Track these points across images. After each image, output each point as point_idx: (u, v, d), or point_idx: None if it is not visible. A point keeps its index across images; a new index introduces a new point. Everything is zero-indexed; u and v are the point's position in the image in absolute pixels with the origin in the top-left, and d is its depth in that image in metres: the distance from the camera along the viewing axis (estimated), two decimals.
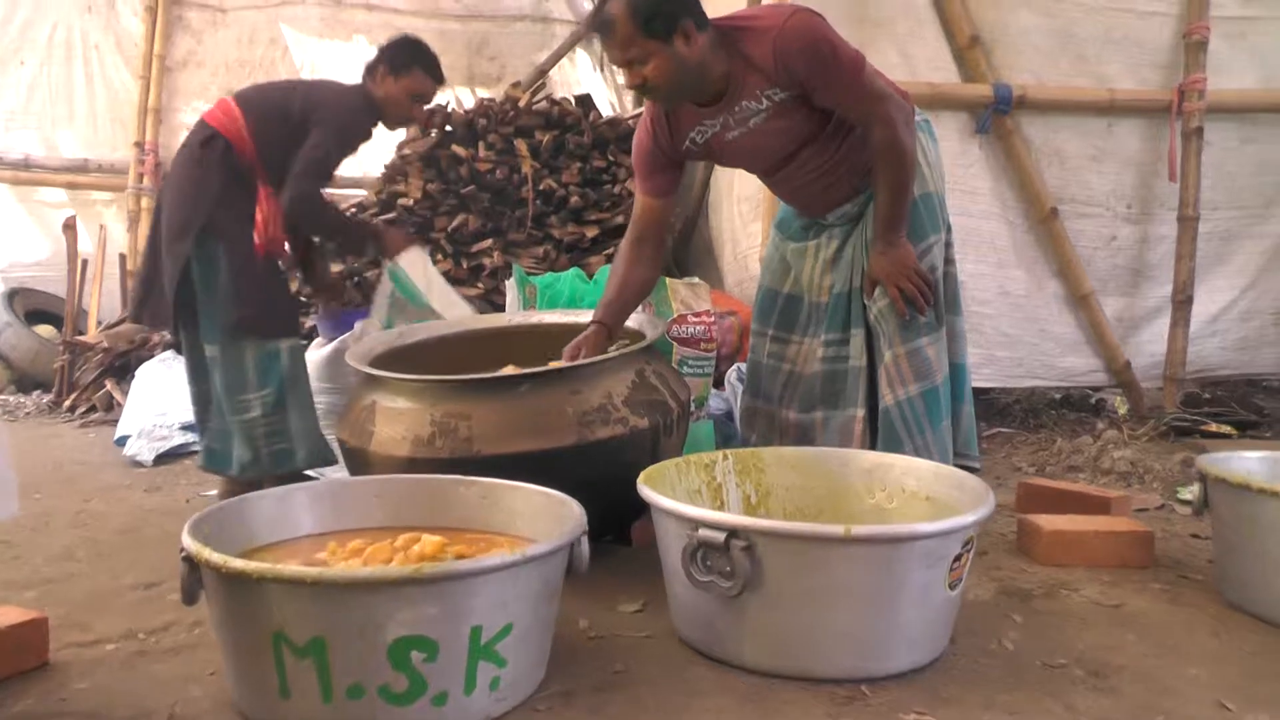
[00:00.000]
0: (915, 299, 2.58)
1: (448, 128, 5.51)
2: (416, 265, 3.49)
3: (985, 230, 4.24)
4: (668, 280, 3.77)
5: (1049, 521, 2.54)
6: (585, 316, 2.91)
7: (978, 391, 4.57)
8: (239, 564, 1.61)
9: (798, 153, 2.64)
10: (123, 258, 6.11)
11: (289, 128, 3.24)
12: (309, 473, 3.50)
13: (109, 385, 5.17)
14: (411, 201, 5.30)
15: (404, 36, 3.52)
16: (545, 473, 2.32)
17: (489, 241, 5.13)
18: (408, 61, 3.38)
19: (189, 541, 1.70)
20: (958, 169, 4.18)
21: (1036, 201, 4.26)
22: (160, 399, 4.47)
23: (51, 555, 2.78)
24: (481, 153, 5.31)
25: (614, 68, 7.34)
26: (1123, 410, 4.48)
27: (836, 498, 2.34)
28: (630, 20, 2.37)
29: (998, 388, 4.54)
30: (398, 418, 2.43)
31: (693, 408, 3.60)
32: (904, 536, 1.78)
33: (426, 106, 3.52)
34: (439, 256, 5.14)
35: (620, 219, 5.17)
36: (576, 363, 2.47)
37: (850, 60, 2.45)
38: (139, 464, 4.02)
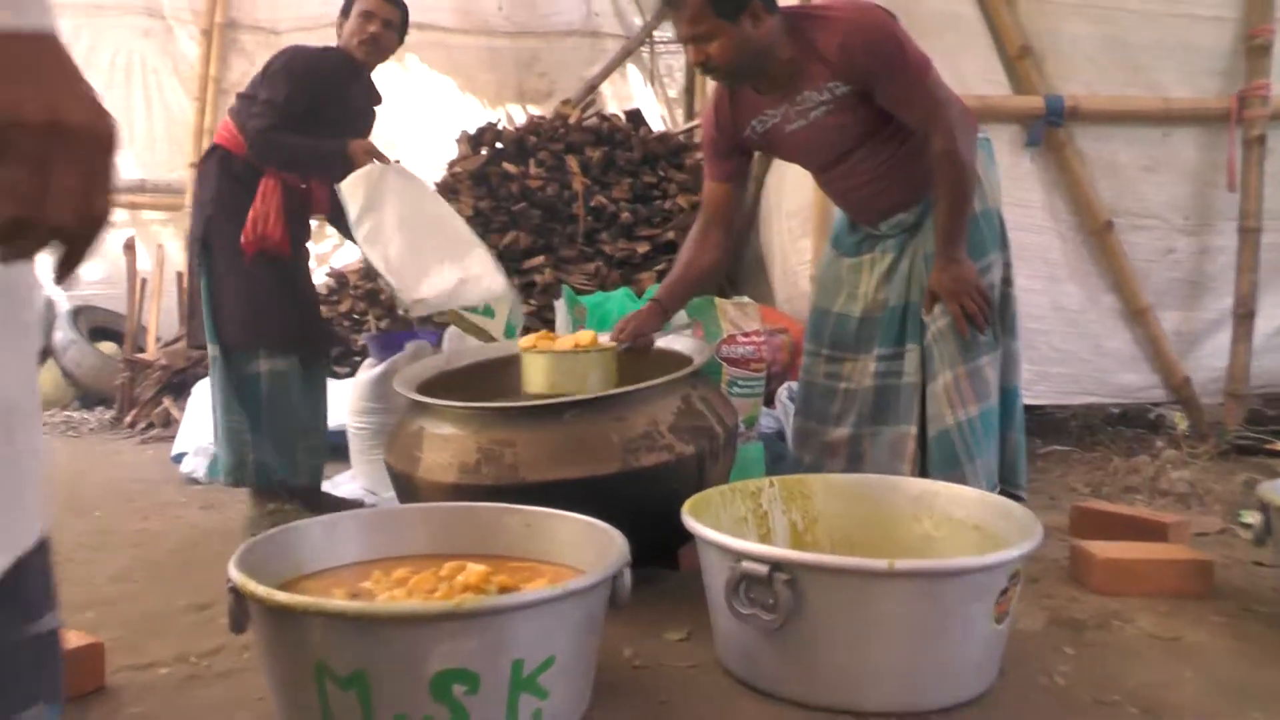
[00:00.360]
0: (975, 317, 2.56)
1: (498, 145, 5.56)
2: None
3: (1038, 244, 4.18)
4: (717, 300, 3.76)
5: (1102, 549, 2.49)
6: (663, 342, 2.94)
7: (1031, 408, 4.51)
8: (282, 597, 1.62)
9: (853, 151, 2.63)
10: (180, 276, 6.23)
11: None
12: (367, 499, 3.54)
13: (167, 402, 5.28)
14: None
15: None
16: (590, 499, 2.32)
17: (540, 258, 5.16)
18: None
19: (235, 573, 1.73)
20: (1009, 182, 4.09)
21: (1090, 214, 4.19)
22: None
23: (111, 575, 2.84)
24: (532, 170, 5.35)
25: (664, 81, 7.39)
26: (1183, 426, 4.39)
27: (884, 525, 2.31)
28: None
29: (1052, 405, 4.46)
30: (444, 444, 2.45)
31: (743, 428, 3.59)
32: (948, 571, 1.76)
33: (377, 23, 3.26)
34: None
35: (671, 235, 5.18)
36: (622, 389, 2.46)
37: (916, 63, 2.45)
38: (195, 481, 4.10)
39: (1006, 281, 2.72)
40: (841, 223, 2.94)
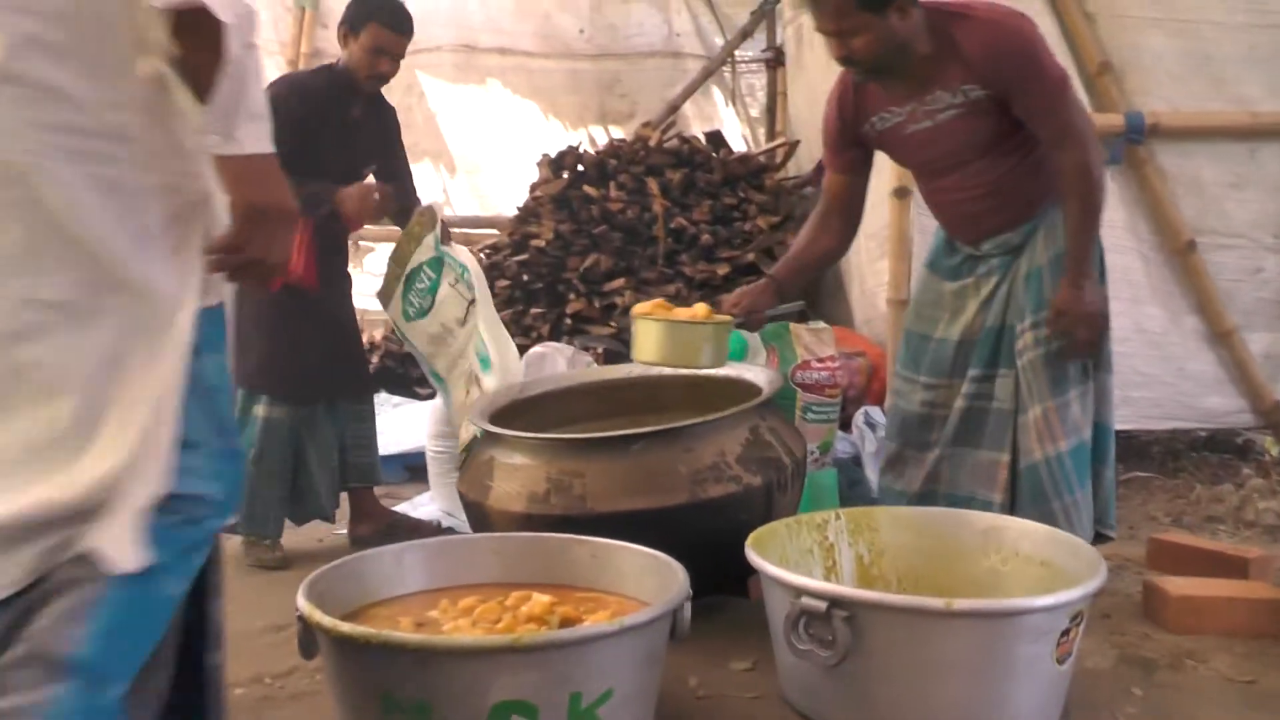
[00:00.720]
0: (1083, 348, 2.53)
1: (579, 168, 5.64)
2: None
3: (1119, 265, 4.08)
4: (791, 326, 3.77)
5: (1177, 585, 2.45)
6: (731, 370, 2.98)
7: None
8: (346, 628, 1.70)
9: (972, 162, 2.60)
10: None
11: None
12: (444, 521, 3.63)
13: None
14: (544, 242, 5.44)
15: None
16: (658, 530, 2.36)
17: (620, 281, 5.20)
18: (364, 19, 3.24)
19: (302, 602, 1.81)
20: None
21: (1171, 233, 4.09)
22: None
23: None
24: (613, 192, 5.40)
25: (745, 101, 7.41)
26: (1274, 451, 4.26)
27: (951, 559, 2.30)
28: None
29: (1135, 429, 4.36)
30: (514, 474, 2.51)
31: (817, 453, 3.60)
32: (1007, 611, 1.76)
33: (387, 61, 3.28)
34: (572, 296, 5.28)
35: (751, 256, 5.19)
36: (690, 421, 2.50)
37: (1057, 76, 2.45)
38: None
39: (1103, 315, 2.67)
40: (939, 246, 2.88)
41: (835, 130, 2.74)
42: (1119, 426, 4.11)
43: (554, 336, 5.33)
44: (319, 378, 3.27)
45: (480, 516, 2.59)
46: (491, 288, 5.38)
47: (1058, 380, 2.54)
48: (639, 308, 2.72)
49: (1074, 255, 2.52)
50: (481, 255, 5.74)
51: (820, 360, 3.57)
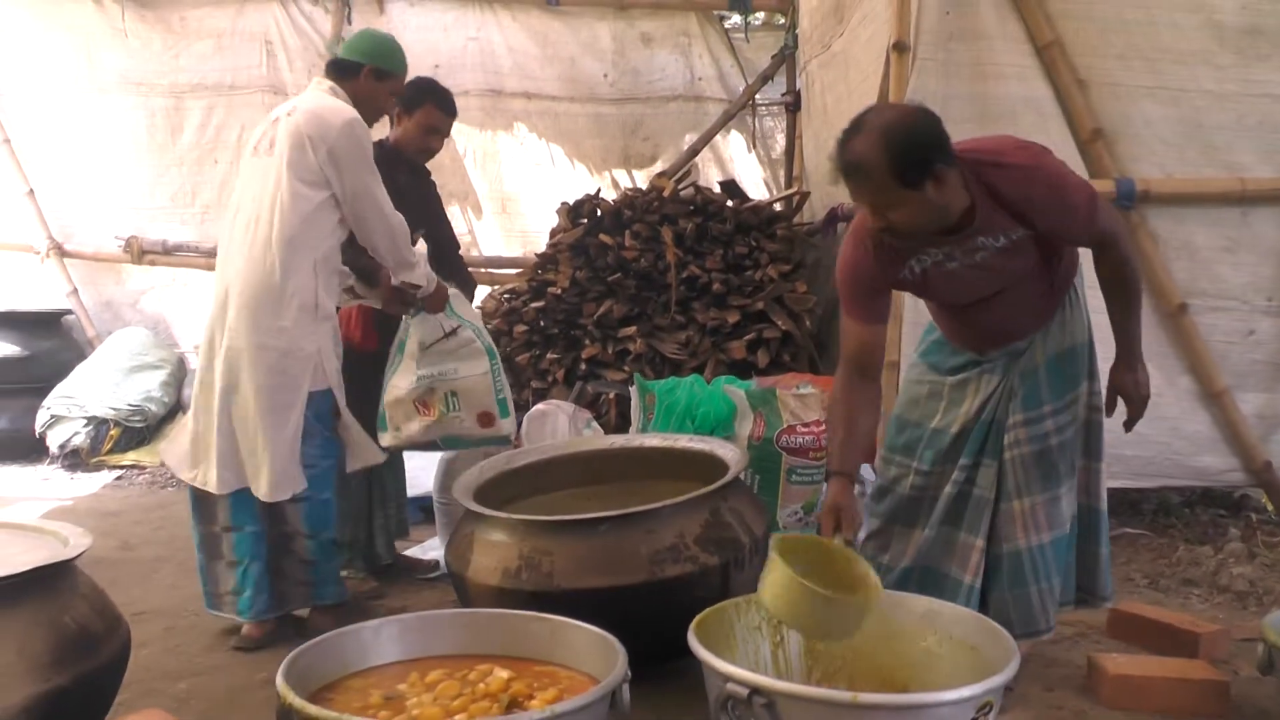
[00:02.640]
0: (1132, 423, 2.76)
1: (598, 213, 5.82)
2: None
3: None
4: (778, 391, 3.91)
5: (1116, 663, 2.56)
6: (683, 441, 3.13)
7: None
8: (312, 711, 1.88)
9: (1005, 292, 2.64)
10: None
11: None
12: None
13: None
14: (560, 289, 5.62)
15: (416, 77, 3.69)
16: (619, 607, 2.54)
17: (633, 328, 5.36)
18: (419, 101, 3.66)
19: (279, 680, 2.00)
20: (1085, 264, 4.15)
21: (1164, 296, 4.18)
22: None
23: (205, 645, 3.18)
24: (628, 241, 5.54)
25: (767, 144, 7.56)
26: (1271, 508, 4.31)
27: (890, 639, 2.42)
28: (887, 170, 2.32)
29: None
30: (491, 550, 2.69)
31: (800, 513, 3.75)
32: (912, 705, 1.90)
33: (439, 139, 3.77)
34: (587, 341, 5.46)
35: (761, 305, 5.31)
36: (655, 505, 2.66)
37: (1087, 201, 2.51)
38: None
39: (1094, 408, 2.76)
40: (938, 344, 2.90)
41: (865, 277, 2.62)
42: (1111, 484, 4.22)
43: (569, 381, 5.50)
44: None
45: (462, 587, 2.78)
46: (510, 332, 5.63)
47: (1048, 476, 2.67)
48: (782, 543, 2.35)
49: (1130, 340, 2.70)
50: (504, 299, 5.95)
51: (805, 425, 3.71)
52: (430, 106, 3.68)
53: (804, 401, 3.76)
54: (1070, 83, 4.15)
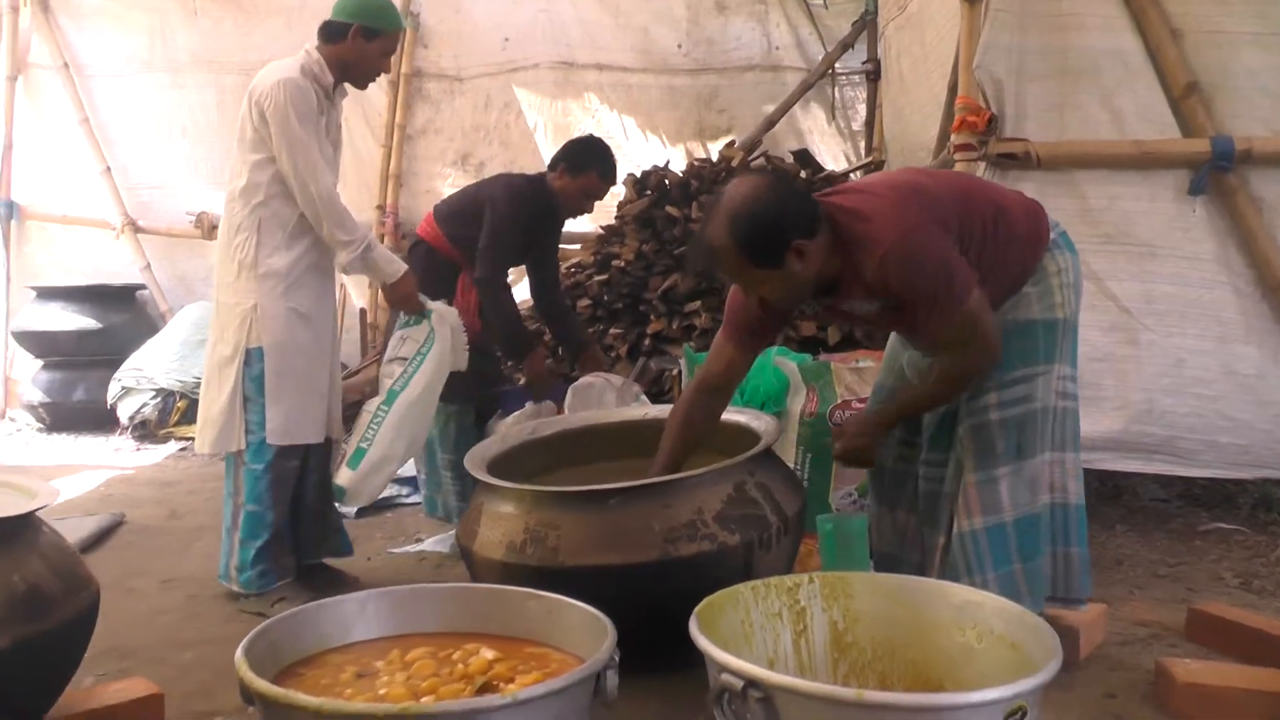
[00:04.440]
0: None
1: (666, 184, 5.62)
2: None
3: (1207, 301, 3.81)
4: (833, 364, 3.66)
5: (1188, 670, 2.25)
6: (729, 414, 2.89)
7: (1194, 480, 4.12)
8: (261, 685, 1.73)
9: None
10: (363, 312, 6.67)
11: (469, 216, 3.77)
12: None
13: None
14: (624, 262, 5.44)
15: (588, 138, 4.01)
16: (628, 587, 2.35)
17: (699, 302, 5.16)
18: (585, 166, 3.80)
19: (239, 656, 1.85)
20: (1175, 233, 3.81)
21: (1268, 267, 3.78)
22: None
23: (224, 615, 3.08)
24: (694, 213, 5.36)
25: (847, 115, 7.24)
26: None
27: (925, 631, 2.17)
28: (736, 252, 2.25)
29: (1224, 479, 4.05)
30: (498, 522, 2.51)
31: (855, 496, 3.49)
32: (923, 707, 1.65)
33: (592, 205, 3.95)
34: (652, 316, 5.28)
35: None
36: (669, 477, 2.45)
37: (958, 292, 2.24)
38: (343, 515, 4.32)
39: (1066, 395, 2.46)
40: None
41: (754, 317, 2.53)
42: (1204, 473, 3.89)
43: (632, 356, 5.34)
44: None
45: (469, 562, 2.61)
46: (573, 306, 5.48)
47: (984, 454, 2.40)
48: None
49: (897, 411, 2.54)
50: (568, 272, 5.79)
51: (861, 400, 3.44)
52: (594, 175, 3.80)
53: (861, 375, 3.49)
54: (1162, 32, 3.77)
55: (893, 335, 2.76)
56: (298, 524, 3.28)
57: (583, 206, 3.89)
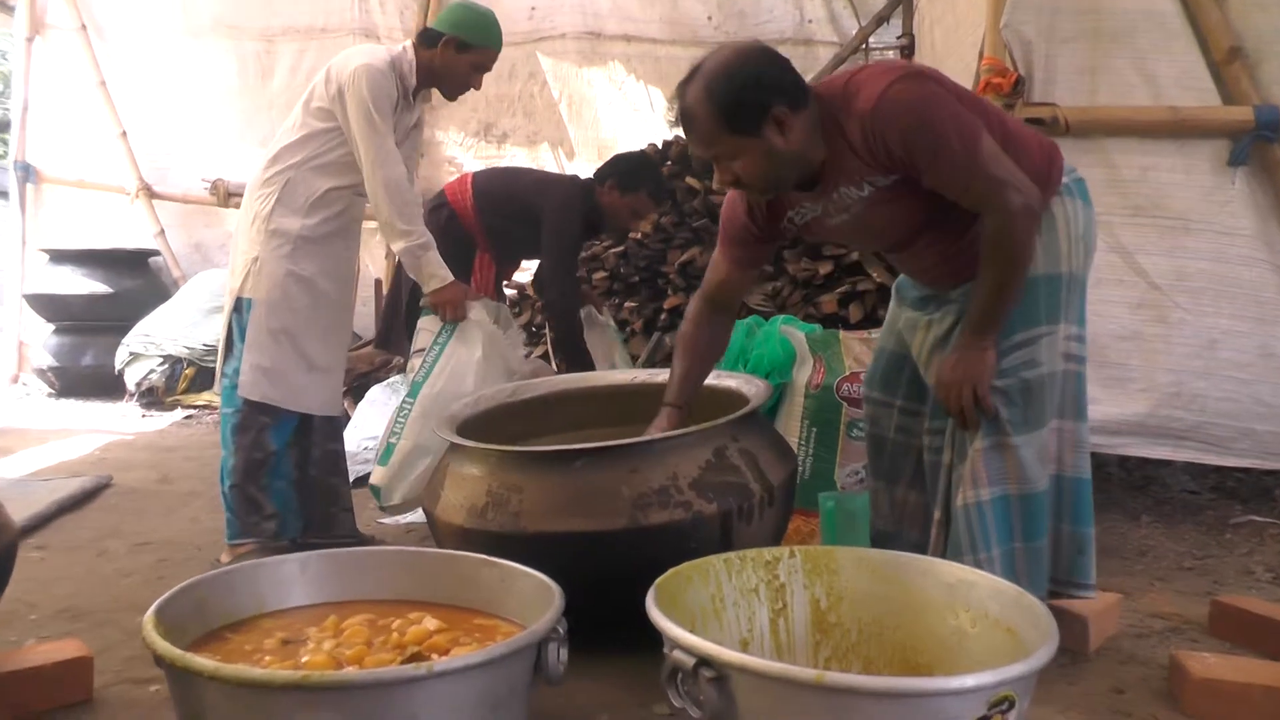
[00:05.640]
0: (960, 417, 2.20)
1: (687, 154, 5.43)
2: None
3: (1246, 279, 3.56)
4: (841, 335, 3.47)
5: (1203, 665, 2.04)
6: (711, 377, 2.69)
7: (1229, 470, 3.88)
8: (161, 647, 1.58)
9: (917, 237, 2.25)
10: (378, 283, 6.53)
11: (511, 210, 3.82)
12: None
13: (346, 404, 5.49)
14: (640, 235, 5.27)
15: (641, 155, 4.09)
16: (594, 556, 2.20)
17: None
18: (636, 184, 3.81)
19: (149, 614, 1.70)
20: (1212, 206, 3.56)
21: None
22: (377, 423, 4.67)
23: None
24: (715, 185, 5.17)
25: None
26: None
27: (915, 613, 1.99)
28: (712, 116, 2.06)
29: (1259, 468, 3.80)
30: (462, 484, 2.35)
31: (862, 473, 3.28)
32: (887, 692, 1.46)
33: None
34: (669, 291, 5.11)
35: (856, 255, 4.85)
36: (639, 439, 2.27)
37: (962, 138, 2.03)
38: None
39: (1073, 357, 2.24)
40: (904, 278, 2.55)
41: (740, 227, 2.40)
42: (1239, 463, 3.65)
43: (648, 331, 5.18)
44: None
45: (432, 526, 2.45)
46: (589, 280, 5.32)
47: (988, 423, 2.18)
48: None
49: (974, 322, 2.17)
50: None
51: None
52: (644, 195, 3.81)
53: (870, 346, 3.28)
54: None
55: (893, 293, 2.55)
56: (305, 500, 3.18)
57: (628, 225, 3.92)
